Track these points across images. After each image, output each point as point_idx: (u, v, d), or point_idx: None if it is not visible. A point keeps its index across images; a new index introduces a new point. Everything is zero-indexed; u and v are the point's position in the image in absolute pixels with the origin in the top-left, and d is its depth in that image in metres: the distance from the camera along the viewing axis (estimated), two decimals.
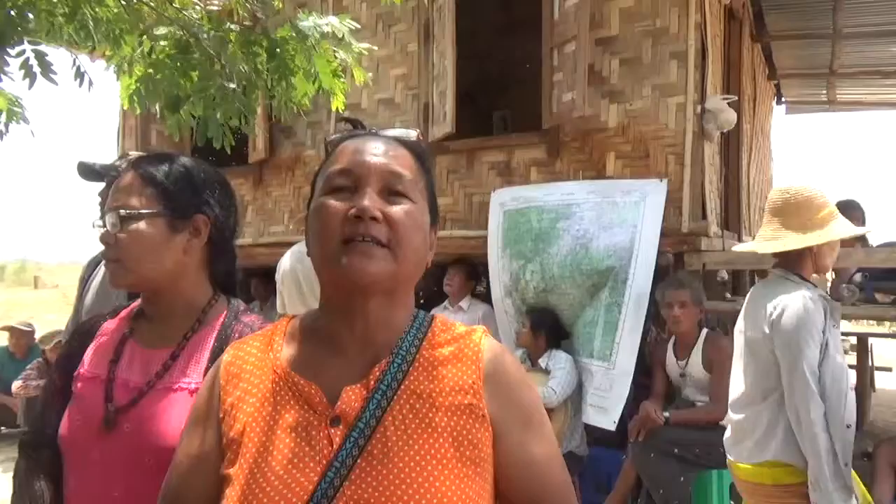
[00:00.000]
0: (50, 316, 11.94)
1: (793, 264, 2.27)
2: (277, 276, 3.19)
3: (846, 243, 2.81)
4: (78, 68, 2.40)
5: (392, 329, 0.88)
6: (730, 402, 2.40)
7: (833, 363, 2.11)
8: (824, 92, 8.41)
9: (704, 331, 3.45)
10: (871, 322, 8.91)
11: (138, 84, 2.55)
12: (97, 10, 2.34)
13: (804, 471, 2.08)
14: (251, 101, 2.60)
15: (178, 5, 2.54)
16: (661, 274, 3.66)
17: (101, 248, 1.24)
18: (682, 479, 3.18)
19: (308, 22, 2.47)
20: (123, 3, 2.44)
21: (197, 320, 1.22)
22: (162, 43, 2.50)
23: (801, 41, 6.69)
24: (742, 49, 5.50)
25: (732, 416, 2.36)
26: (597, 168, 4.18)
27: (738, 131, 5.19)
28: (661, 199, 3.69)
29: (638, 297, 3.58)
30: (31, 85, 2.18)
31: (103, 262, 1.35)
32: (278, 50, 2.51)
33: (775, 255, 2.31)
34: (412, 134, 0.95)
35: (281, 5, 2.80)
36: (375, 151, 0.88)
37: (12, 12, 2.15)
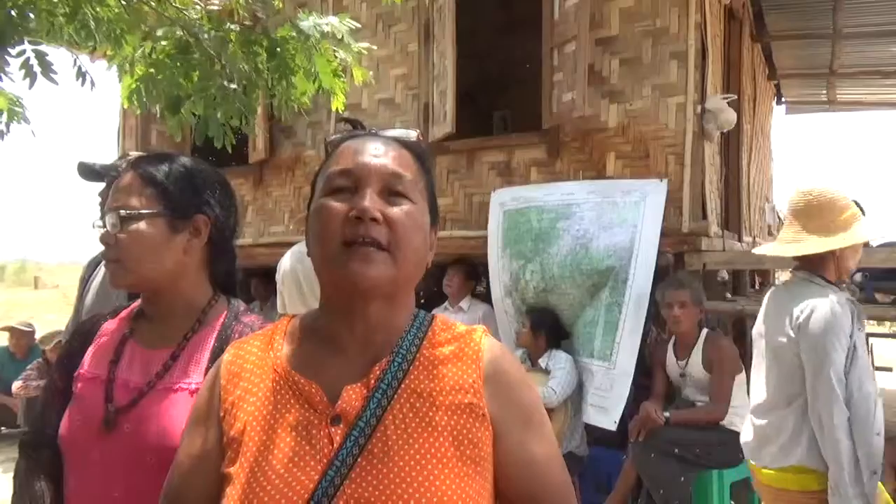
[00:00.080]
0: (50, 316, 11.94)
1: (816, 267, 2.22)
2: (277, 277, 3.20)
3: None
4: (79, 68, 2.41)
5: (392, 329, 0.89)
6: (751, 406, 2.36)
7: (861, 369, 2.07)
8: (824, 92, 8.41)
9: (704, 331, 3.45)
10: (871, 322, 8.91)
11: (139, 84, 2.55)
12: (98, 9, 2.33)
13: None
14: (251, 101, 2.60)
15: (178, 5, 2.54)
16: (662, 274, 3.66)
17: (101, 248, 1.24)
18: (682, 479, 3.18)
19: (308, 22, 2.47)
20: (124, 2, 2.44)
21: (197, 320, 1.22)
22: (163, 42, 2.50)
23: (801, 41, 6.69)
24: (742, 49, 5.50)
25: (754, 420, 2.32)
26: (597, 168, 4.18)
27: (738, 131, 5.20)
28: (661, 199, 3.69)
29: (638, 297, 3.58)
30: (31, 85, 2.19)
31: (103, 262, 1.35)
32: (279, 49, 2.51)
33: (797, 257, 2.27)
34: (412, 134, 0.95)
35: (281, 5, 2.80)
36: (376, 152, 0.89)
37: (13, 12, 2.15)
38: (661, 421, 3.26)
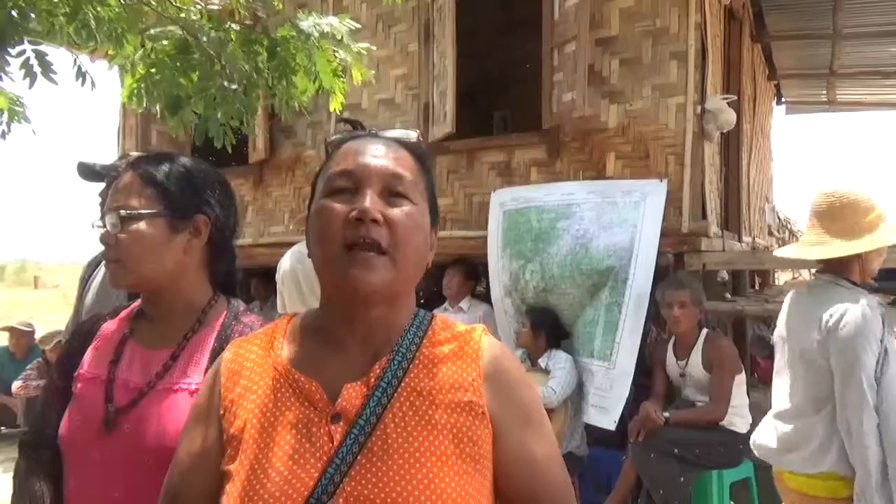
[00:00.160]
0: (50, 316, 11.94)
1: (841, 269, 2.17)
2: (277, 277, 3.19)
3: None
4: (79, 68, 2.41)
5: (393, 329, 0.89)
6: (774, 412, 2.31)
7: (892, 375, 2.01)
8: (824, 92, 8.41)
9: (704, 331, 3.45)
10: None
11: (139, 84, 2.55)
12: (99, 9, 2.33)
13: None
14: (252, 101, 2.60)
15: (178, 5, 2.54)
16: (661, 274, 3.66)
17: (101, 248, 1.24)
18: (682, 479, 3.18)
19: (308, 22, 2.47)
20: (123, 2, 2.44)
21: (197, 321, 1.22)
22: (164, 42, 2.51)
23: (801, 41, 6.69)
24: (742, 49, 5.50)
25: (778, 426, 2.26)
26: (597, 168, 4.18)
27: (738, 131, 5.20)
28: (661, 199, 3.69)
29: (638, 297, 3.58)
30: (31, 85, 2.19)
31: (103, 262, 1.35)
32: (279, 49, 2.51)
33: (820, 260, 2.22)
34: (412, 135, 0.95)
35: (281, 6, 2.81)
36: (376, 153, 0.89)
37: (13, 12, 2.15)
38: (661, 421, 3.26)
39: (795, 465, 2.17)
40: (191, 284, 1.25)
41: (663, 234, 3.65)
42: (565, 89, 4.30)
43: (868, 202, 2.16)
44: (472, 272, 4.45)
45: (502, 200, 4.31)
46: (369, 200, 0.84)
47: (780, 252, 2.58)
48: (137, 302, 1.29)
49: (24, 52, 2.16)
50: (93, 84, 2.44)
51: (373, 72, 2.97)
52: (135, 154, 1.40)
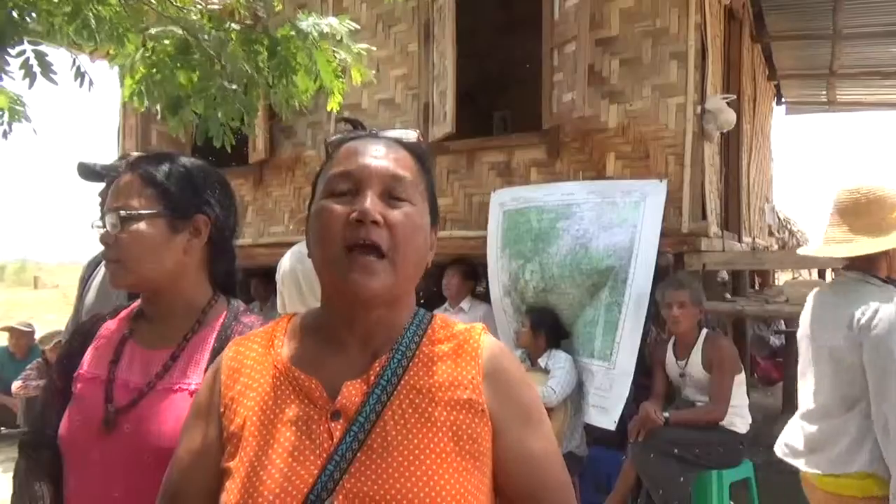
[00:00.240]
0: (50, 316, 11.94)
1: (868, 266, 2.13)
2: (277, 277, 3.19)
3: None
4: (78, 68, 2.41)
5: (393, 328, 0.89)
6: (800, 412, 2.26)
7: None
8: (824, 92, 8.42)
9: (704, 331, 3.45)
10: None
11: (140, 84, 2.55)
12: (99, 8, 2.33)
13: None
14: (252, 101, 2.60)
15: (178, 4, 2.55)
16: (661, 274, 3.66)
17: (101, 248, 1.24)
18: (681, 479, 3.18)
19: (307, 22, 2.48)
20: (124, 2, 2.44)
21: (197, 321, 1.22)
22: (165, 41, 2.51)
23: (801, 42, 6.70)
24: (742, 49, 5.50)
25: (805, 427, 2.21)
26: (597, 168, 4.18)
27: (738, 131, 5.20)
28: (661, 199, 3.69)
29: (638, 297, 3.58)
30: (31, 85, 2.19)
31: (103, 262, 1.35)
32: (279, 48, 2.51)
33: (845, 257, 2.17)
34: (412, 135, 0.95)
35: (281, 6, 2.81)
36: (376, 154, 0.89)
37: (13, 12, 2.15)
38: (661, 421, 3.26)
39: (823, 465, 2.13)
40: (191, 284, 1.25)
41: (663, 234, 3.65)
42: (565, 89, 4.30)
43: (894, 197, 2.12)
44: (472, 272, 4.45)
45: (502, 200, 4.31)
46: (369, 202, 0.84)
47: (803, 250, 2.50)
48: (137, 302, 1.29)
49: (24, 52, 2.16)
50: (91, 84, 2.45)
51: (373, 72, 2.97)
52: (135, 154, 1.39)
